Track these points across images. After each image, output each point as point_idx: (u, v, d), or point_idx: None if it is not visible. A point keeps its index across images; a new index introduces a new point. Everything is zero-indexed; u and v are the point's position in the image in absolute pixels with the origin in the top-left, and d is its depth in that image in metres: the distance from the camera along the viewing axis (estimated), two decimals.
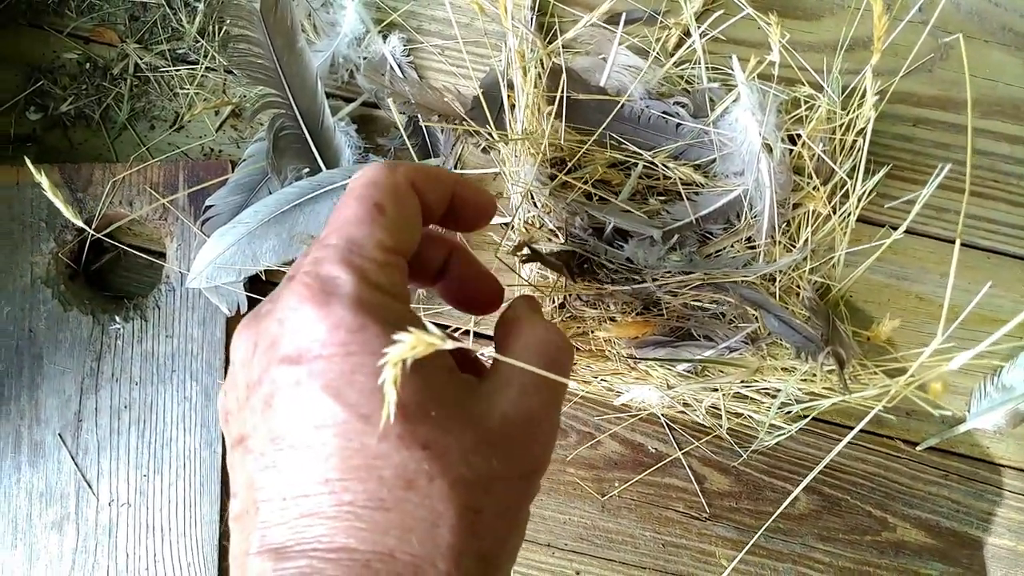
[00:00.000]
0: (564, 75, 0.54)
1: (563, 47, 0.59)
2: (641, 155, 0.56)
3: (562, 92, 0.54)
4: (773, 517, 0.58)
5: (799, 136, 0.56)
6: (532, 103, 0.53)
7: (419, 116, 0.61)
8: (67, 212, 0.52)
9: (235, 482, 0.27)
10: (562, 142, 0.55)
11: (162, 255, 0.61)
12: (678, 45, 0.62)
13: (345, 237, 0.27)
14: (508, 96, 0.55)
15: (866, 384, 0.55)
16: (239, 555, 0.26)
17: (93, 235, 0.59)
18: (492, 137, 0.58)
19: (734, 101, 0.54)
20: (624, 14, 0.59)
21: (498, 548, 0.27)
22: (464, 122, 0.59)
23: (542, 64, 0.55)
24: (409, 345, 0.22)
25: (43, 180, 0.50)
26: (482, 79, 0.60)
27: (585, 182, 0.55)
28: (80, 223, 0.53)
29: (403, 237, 0.29)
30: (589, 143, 0.55)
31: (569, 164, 0.55)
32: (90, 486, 0.57)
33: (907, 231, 0.60)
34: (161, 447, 0.58)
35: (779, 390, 0.54)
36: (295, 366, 0.26)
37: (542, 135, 0.54)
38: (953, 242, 0.60)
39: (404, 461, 0.25)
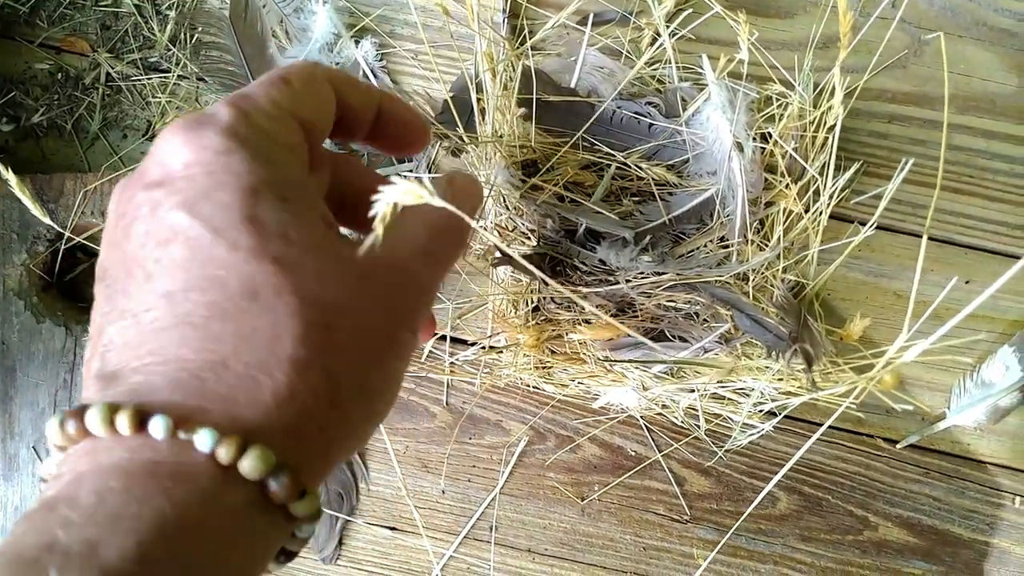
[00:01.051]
0: (535, 78, 0.54)
1: (533, 49, 0.59)
2: (614, 156, 0.56)
3: (533, 94, 0.54)
4: (746, 514, 0.58)
5: (771, 135, 0.55)
6: (502, 105, 0.53)
7: None
8: (38, 212, 0.52)
9: (91, 325, 0.26)
10: (533, 144, 0.55)
11: None
12: (650, 44, 0.61)
13: (239, 91, 0.27)
14: (478, 99, 0.55)
15: (836, 382, 0.54)
16: (84, 380, 0.25)
17: (66, 244, 0.59)
18: (462, 140, 0.58)
19: (705, 100, 0.54)
20: (592, 15, 0.59)
21: (351, 372, 0.26)
22: (434, 126, 0.59)
23: (512, 66, 0.55)
24: (400, 192, 0.23)
25: (12, 179, 0.50)
26: (452, 83, 0.60)
27: (557, 184, 0.54)
28: (52, 223, 0.53)
29: (304, 107, 0.28)
30: (565, 148, 0.55)
31: (541, 166, 0.55)
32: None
33: (884, 228, 0.60)
34: None
35: (753, 390, 0.54)
36: (157, 189, 0.25)
37: (511, 137, 0.53)
38: (930, 238, 0.60)
39: (251, 272, 0.24)
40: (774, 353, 0.50)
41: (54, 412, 0.57)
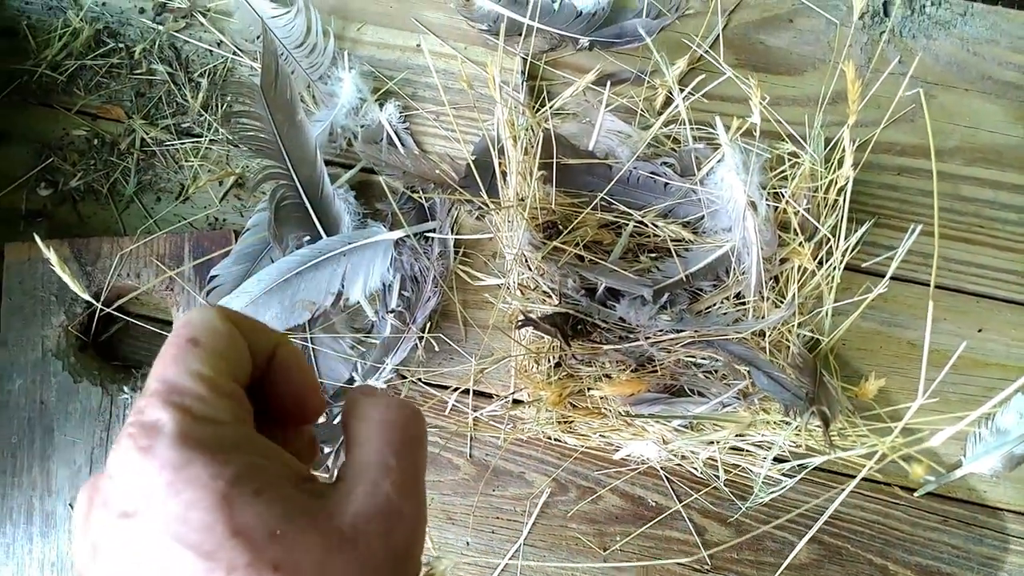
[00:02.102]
0: (555, 142, 0.56)
1: (552, 113, 0.61)
2: (631, 215, 0.58)
3: (553, 158, 0.56)
4: (779, 571, 0.59)
5: (783, 194, 0.57)
6: (523, 169, 0.55)
7: (415, 188, 0.63)
8: (74, 285, 0.54)
9: None
10: (553, 206, 0.57)
11: (169, 324, 0.63)
12: (665, 104, 0.63)
13: (162, 379, 0.27)
14: (499, 163, 0.57)
15: (854, 442, 0.56)
16: None
17: (101, 309, 0.61)
18: (485, 205, 0.60)
19: (719, 161, 0.55)
20: (610, 77, 0.61)
21: None
22: (457, 191, 0.61)
23: (532, 131, 0.57)
24: None
25: (51, 256, 0.52)
26: (473, 146, 0.62)
27: (577, 244, 0.56)
28: (88, 296, 0.55)
29: (224, 361, 0.28)
30: (585, 212, 0.57)
31: (561, 228, 0.57)
32: None
33: (896, 278, 0.61)
34: None
35: (772, 444, 0.55)
36: (130, 520, 0.25)
37: (532, 201, 0.55)
38: (942, 287, 0.61)
39: None
40: (791, 412, 0.51)
41: (90, 470, 0.59)
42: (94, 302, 0.59)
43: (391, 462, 0.29)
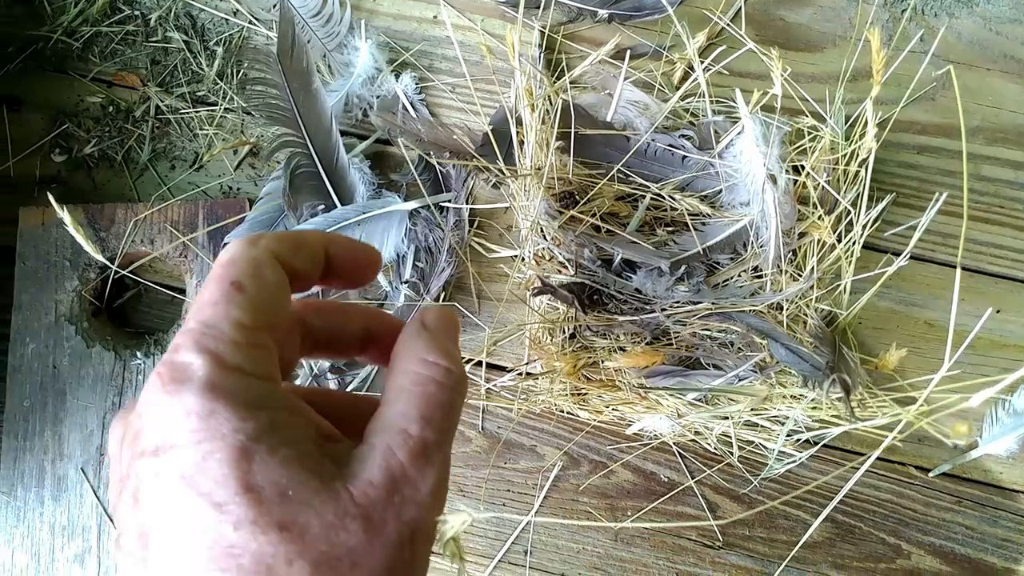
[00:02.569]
0: (573, 112, 0.56)
1: (570, 84, 0.61)
2: (648, 187, 0.57)
3: (571, 128, 0.56)
4: (794, 551, 0.58)
5: (803, 167, 0.57)
6: (540, 139, 0.55)
7: (430, 153, 0.62)
8: (88, 247, 0.54)
9: (116, 554, 0.27)
10: (571, 176, 0.56)
11: (182, 291, 0.63)
12: (683, 79, 0.63)
13: (200, 320, 0.27)
14: (517, 132, 0.57)
15: (875, 412, 0.55)
16: None
17: (115, 272, 0.61)
18: (502, 173, 0.59)
19: (738, 134, 0.55)
20: (629, 50, 0.60)
21: None
22: (474, 159, 0.61)
23: (550, 101, 0.57)
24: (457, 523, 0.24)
25: (65, 215, 0.52)
26: (491, 116, 0.62)
27: (593, 215, 0.56)
28: (101, 258, 0.55)
29: (265, 313, 0.28)
30: (604, 181, 0.56)
31: (578, 198, 0.56)
32: (111, 520, 0.58)
33: (914, 258, 0.61)
34: None
35: (788, 418, 0.55)
36: (155, 459, 0.25)
37: (549, 171, 0.55)
38: (962, 268, 0.61)
39: (261, 547, 0.24)
40: (810, 382, 0.51)
41: (102, 435, 0.59)
42: (109, 264, 0.58)
43: (413, 430, 0.28)
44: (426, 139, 0.62)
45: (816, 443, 0.57)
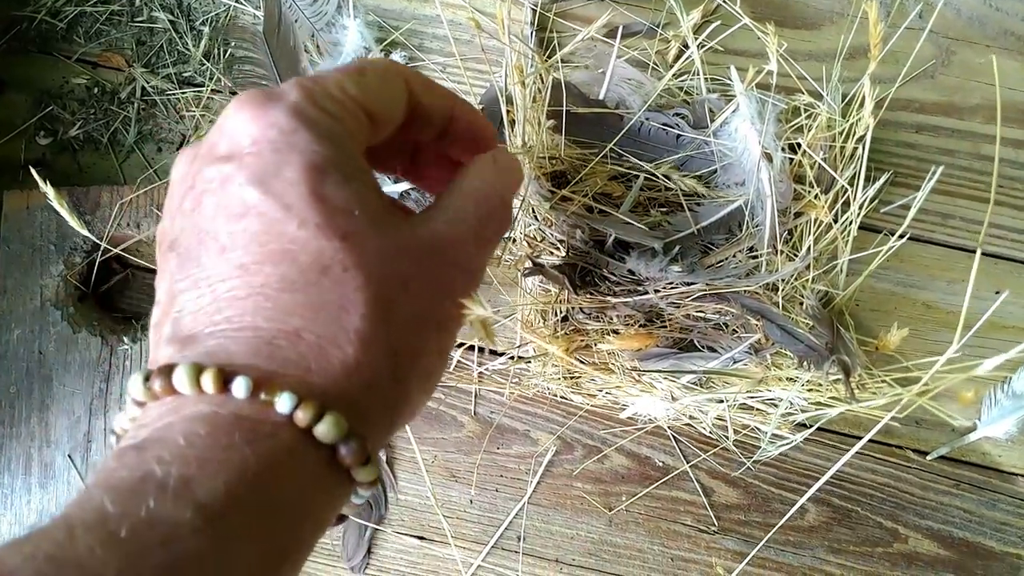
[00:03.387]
0: (564, 90, 0.55)
1: (562, 61, 0.59)
2: (642, 167, 0.56)
3: (563, 106, 0.55)
4: (777, 526, 0.58)
5: (799, 145, 0.55)
6: (531, 117, 0.54)
7: None
8: (74, 222, 0.53)
9: (159, 290, 0.28)
10: (562, 155, 0.55)
11: None
12: (677, 57, 0.62)
13: (313, 75, 0.29)
14: (507, 111, 0.55)
15: (874, 393, 0.54)
16: (153, 346, 0.27)
17: (102, 256, 0.60)
18: None
19: (733, 111, 0.54)
20: (621, 27, 0.59)
21: (409, 350, 0.27)
22: None
23: (541, 79, 0.55)
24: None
25: (48, 190, 0.51)
26: (482, 95, 0.61)
27: (586, 195, 0.55)
28: (87, 233, 0.54)
29: (371, 97, 0.29)
30: (595, 161, 0.55)
31: (570, 178, 0.55)
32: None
33: (913, 238, 0.60)
34: None
35: (783, 400, 0.54)
36: (226, 163, 0.26)
37: (541, 149, 0.54)
38: (960, 248, 0.60)
39: (321, 248, 0.25)
40: (805, 363, 0.50)
41: (89, 421, 0.58)
42: (97, 241, 0.57)
43: (471, 214, 0.31)
44: None
45: (810, 426, 0.56)
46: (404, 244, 0.28)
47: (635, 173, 0.56)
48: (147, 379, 0.24)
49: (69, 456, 0.58)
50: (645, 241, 0.53)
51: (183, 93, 0.64)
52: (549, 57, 0.61)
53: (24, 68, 0.65)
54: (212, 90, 0.64)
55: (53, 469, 0.58)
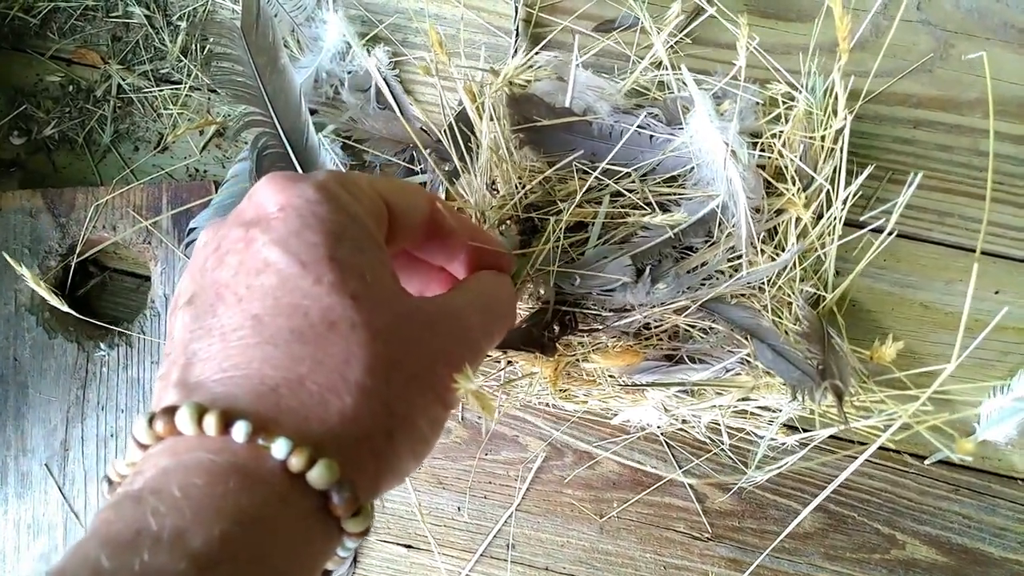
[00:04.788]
0: (528, 102, 0.53)
1: (525, 70, 0.57)
2: (607, 181, 0.54)
3: (528, 121, 0.53)
4: (781, 536, 0.56)
5: (774, 137, 0.54)
6: (493, 143, 0.52)
7: (384, 153, 0.60)
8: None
9: (170, 343, 0.29)
10: (526, 181, 0.53)
11: (147, 278, 0.60)
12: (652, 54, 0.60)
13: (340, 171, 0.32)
14: (469, 140, 0.54)
15: (870, 411, 0.53)
16: (158, 393, 0.28)
17: (77, 260, 0.58)
18: (454, 175, 0.56)
19: (692, 112, 0.52)
20: (575, 35, 0.57)
21: (405, 410, 0.28)
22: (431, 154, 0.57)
23: (499, 99, 0.53)
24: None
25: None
26: (455, 110, 0.59)
27: (557, 240, 0.52)
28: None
29: (394, 196, 0.32)
30: (551, 171, 0.53)
31: (537, 222, 0.53)
32: (77, 517, 0.56)
33: (910, 237, 0.58)
34: None
35: (778, 410, 0.53)
36: (252, 227, 0.28)
37: (506, 179, 0.52)
38: (957, 247, 0.58)
39: (332, 304, 0.27)
40: (799, 393, 0.48)
41: (66, 430, 0.57)
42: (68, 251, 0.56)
43: (479, 299, 0.34)
44: (383, 135, 0.59)
45: (805, 444, 0.55)
46: (411, 312, 0.29)
47: (602, 187, 0.54)
48: (151, 421, 0.25)
49: (46, 465, 0.57)
50: (614, 278, 0.51)
51: (160, 91, 0.62)
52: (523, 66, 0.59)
53: None
54: (190, 87, 0.62)
55: (30, 479, 0.57)
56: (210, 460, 0.24)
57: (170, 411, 0.25)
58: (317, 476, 0.25)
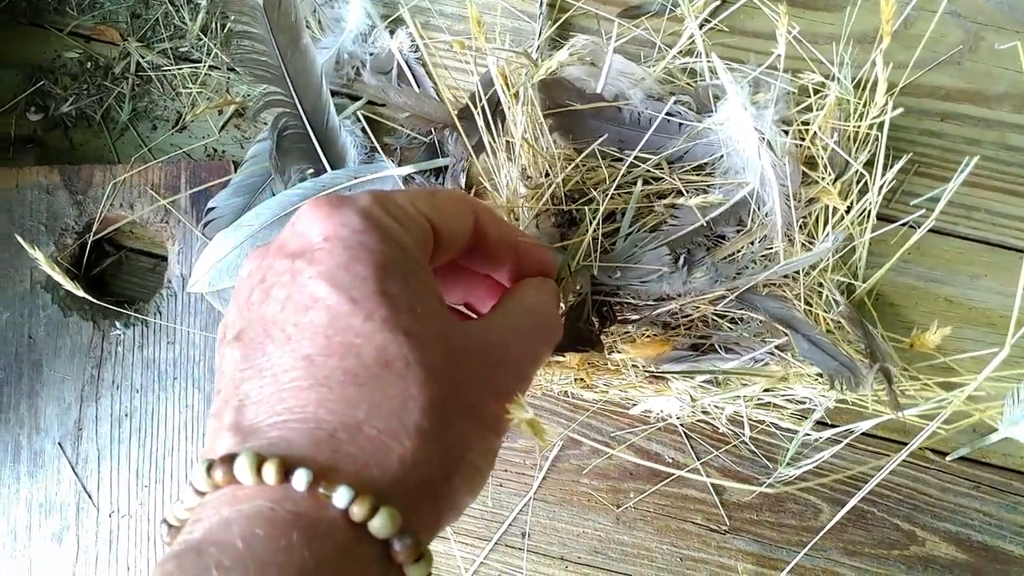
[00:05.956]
0: (561, 87, 0.52)
1: (560, 68, 0.56)
2: (639, 165, 0.53)
3: (558, 106, 0.52)
4: (820, 534, 0.56)
5: (806, 125, 0.53)
6: (530, 128, 0.51)
7: (417, 128, 0.59)
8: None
9: (221, 379, 0.28)
10: (559, 172, 0.53)
11: (164, 258, 0.60)
12: (690, 41, 0.59)
13: (386, 191, 0.31)
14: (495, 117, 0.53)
15: (914, 399, 0.52)
16: (212, 434, 0.27)
17: (94, 234, 0.58)
18: (488, 149, 0.55)
19: (724, 100, 0.52)
20: (616, 21, 0.56)
21: (460, 446, 0.28)
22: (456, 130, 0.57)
23: (531, 88, 0.53)
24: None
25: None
26: (479, 78, 0.58)
27: (595, 230, 0.52)
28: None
29: (438, 215, 0.31)
30: (579, 158, 0.53)
31: (575, 214, 0.52)
32: (90, 496, 0.56)
33: (934, 231, 0.58)
34: (163, 456, 0.56)
35: (809, 403, 0.52)
36: (297, 258, 0.28)
37: (530, 197, 0.51)
38: (983, 242, 0.58)
39: (385, 342, 0.26)
40: (838, 383, 0.47)
41: (80, 408, 0.56)
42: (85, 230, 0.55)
43: (524, 323, 0.34)
44: (413, 111, 0.58)
45: (838, 440, 0.54)
46: (461, 344, 0.29)
47: (632, 175, 0.53)
48: (209, 469, 0.25)
49: (59, 444, 0.56)
50: (656, 264, 0.50)
51: (179, 69, 0.62)
52: (553, 45, 0.58)
53: (14, 41, 0.62)
54: (209, 66, 0.62)
55: (43, 458, 0.56)
56: (270, 510, 0.24)
57: (228, 459, 0.24)
58: (379, 525, 0.24)
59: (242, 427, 0.26)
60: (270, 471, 0.24)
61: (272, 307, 0.28)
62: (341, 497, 0.24)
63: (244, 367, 0.27)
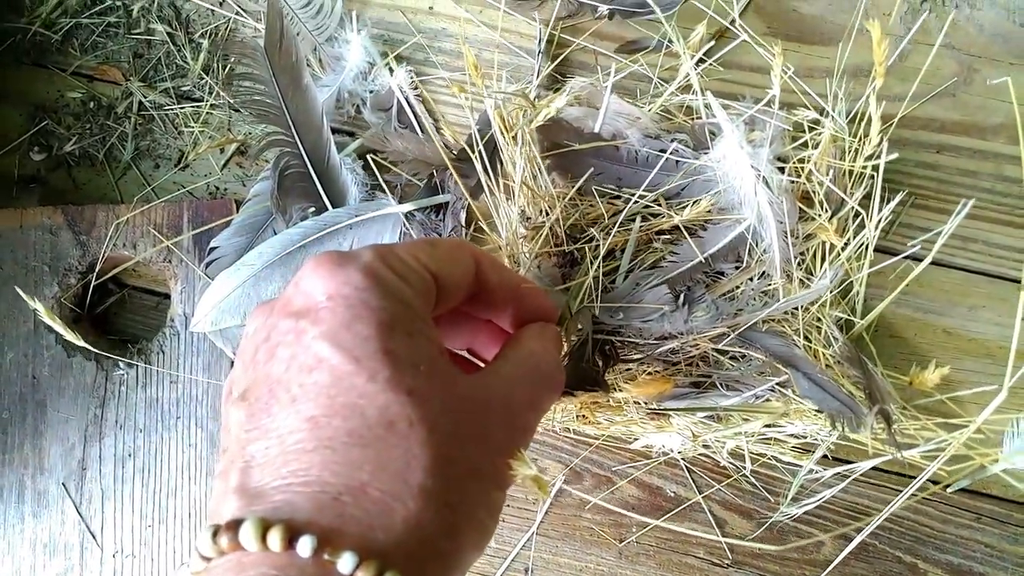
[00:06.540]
0: (559, 128, 0.52)
1: (552, 98, 0.57)
2: (637, 202, 0.54)
3: (556, 147, 0.53)
4: (830, 569, 0.56)
5: (802, 162, 0.54)
6: (528, 169, 0.52)
7: (418, 172, 0.60)
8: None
9: (227, 437, 0.28)
10: (559, 210, 0.53)
11: (167, 296, 0.60)
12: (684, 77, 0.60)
13: (386, 244, 0.31)
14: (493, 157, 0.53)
15: (914, 439, 0.52)
16: (218, 496, 0.27)
17: (99, 274, 0.58)
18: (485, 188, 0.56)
19: (721, 138, 0.52)
20: (614, 64, 0.57)
21: (465, 504, 0.28)
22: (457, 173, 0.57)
23: (529, 130, 0.53)
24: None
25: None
26: (478, 119, 0.58)
27: (587, 272, 0.52)
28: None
29: (439, 265, 0.31)
30: (570, 194, 0.53)
31: (576, 254, 0.53)
32: (94, 537, 0.56)
33: (933, 263, 0.58)
34: (166, 496, 0.56)
35: (811, 440, 0.52)
36: (302, 318, 0.28)
37: (529, 238, 0.52)
38: (981, 273, 0.58)
39: (388, 402, 0.26)
40: (838, 424, 0.47)
41: (84, 448, 0.57)
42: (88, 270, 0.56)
43: (525, 378, 0.33)
44: (414, 156, 0.59)
45: (845, 476, 0.54)
46: (464, 400, 0.29)
47: (629, 212, 0.54)
48: (215, 535, 0.25)
49: (63, 484, 0.57)
50: (651, 309, 0.50)
51: (181, 108, 0.62)
52: (555, 77, 0.59)
53: (18, 81, 0.63)
54: (211, 105, 0.62)
55: (47, 498, 0.57)
56: None
57: (234, 525, 0.25)
58: None
59: (248, 490, 0.26)
60: (275, 538, 0.24)
61: (277, 367, 0.28)
62: (346, 564, 0.24)
63: (250, 427, 0.27)
